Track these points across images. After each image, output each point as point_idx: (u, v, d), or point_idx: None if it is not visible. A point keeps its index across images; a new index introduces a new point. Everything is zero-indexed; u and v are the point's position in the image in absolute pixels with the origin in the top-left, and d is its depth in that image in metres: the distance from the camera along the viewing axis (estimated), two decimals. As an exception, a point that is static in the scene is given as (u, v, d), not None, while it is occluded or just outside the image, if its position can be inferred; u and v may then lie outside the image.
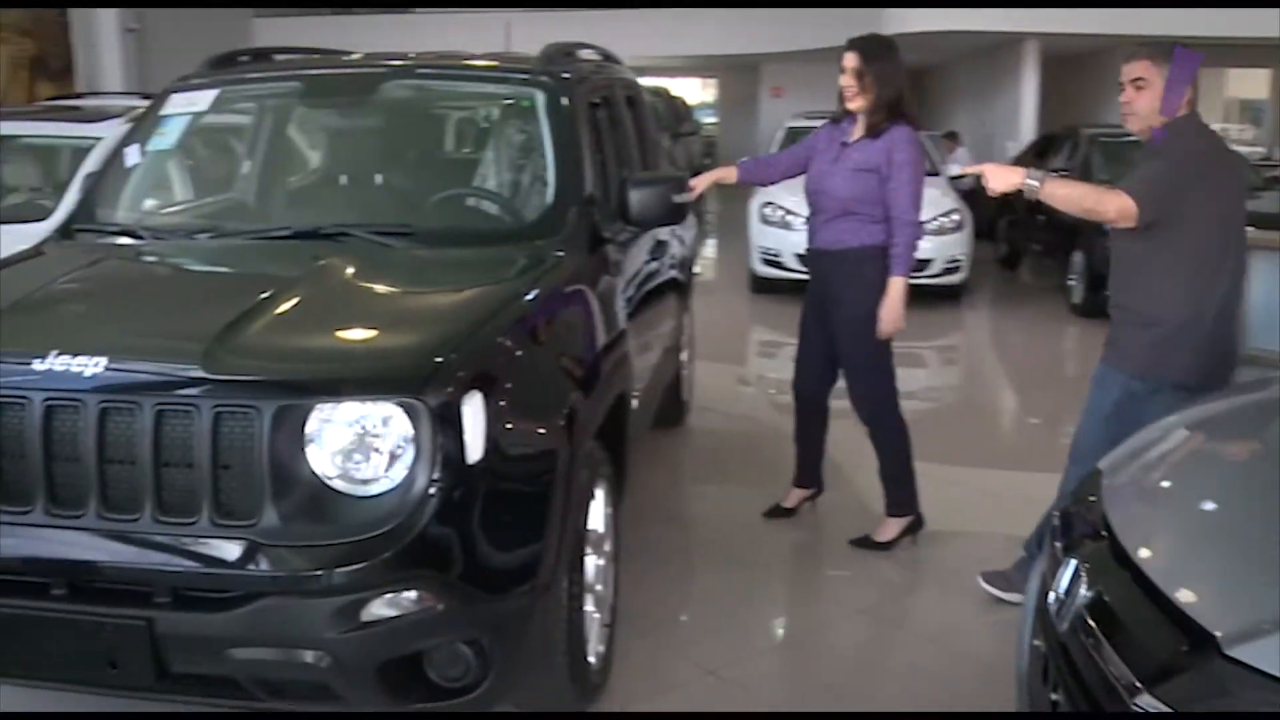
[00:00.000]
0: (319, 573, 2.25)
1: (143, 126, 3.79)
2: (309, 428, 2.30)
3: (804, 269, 9.56)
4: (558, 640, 2.73)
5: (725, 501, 4.84)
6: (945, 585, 3.97)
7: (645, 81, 17.41)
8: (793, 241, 9.20)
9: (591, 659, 3.02)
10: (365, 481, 2.33)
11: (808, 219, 4.19)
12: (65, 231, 3.49)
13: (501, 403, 2.44)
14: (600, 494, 3.13)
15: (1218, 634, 1.54)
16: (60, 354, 2.36)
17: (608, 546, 3.26)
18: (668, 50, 20.31)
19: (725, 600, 3.84)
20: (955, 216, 9.48)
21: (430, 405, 2.30)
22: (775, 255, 9.43)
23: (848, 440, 4.70)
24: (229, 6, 17.77)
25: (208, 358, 2.34)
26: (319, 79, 3.94)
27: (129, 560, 2.30)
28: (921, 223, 3.97)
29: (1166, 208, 3.16)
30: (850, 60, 3.92)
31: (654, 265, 4.42)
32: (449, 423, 2.32)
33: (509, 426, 2.45)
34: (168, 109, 3.82)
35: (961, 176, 11.27)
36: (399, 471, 2.33)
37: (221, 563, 2.27)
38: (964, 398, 7.60)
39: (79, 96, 9.51)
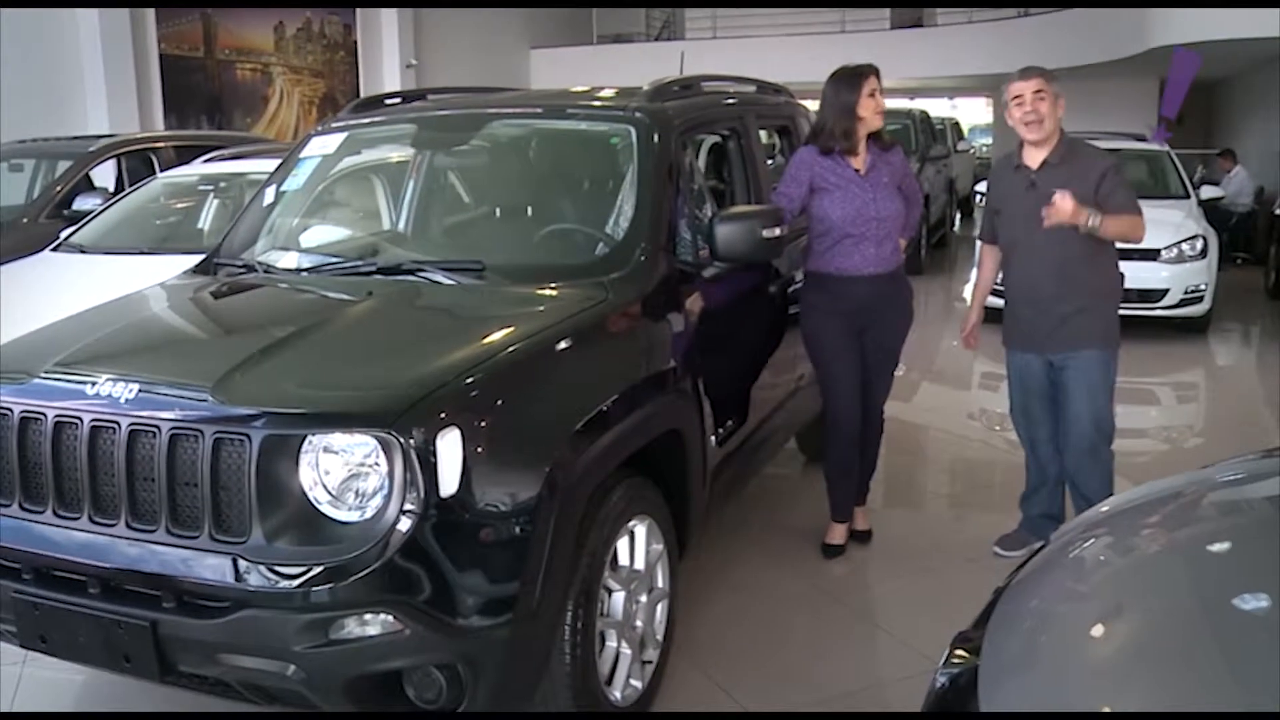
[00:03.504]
0: (291, 590, 2.43)
1: (283, 168, 4.17)
2: (294, 457, 2.49)
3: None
4: (558, 673, 2.78)
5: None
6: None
7: (908, 104, 17.06)
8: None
9: (616, 694, 3.05)
10: (342, 508, 2.49)
11: (838, 247, 4.15)
12: (205, 265, 3.89)
13: (482, 440, 2.52)
14: (642, 530, 3.16)
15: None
16: (107, 379, 2.67)
17: (660, 583, 3.28)
18: (945, 70, 19.86)
19: (794, 640, 3.80)
20: (1198, 243, 8.74)
21: (403, 440, 2.43)
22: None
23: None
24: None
25: (218, 387, 2.58)
26: (427, 121, 4.19)
27: (145, 567, 2.56)
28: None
29: None
30: (878, 82, 4.14)
31: (778, 301, 4.38)
32: (423, 457, 2.44)
33: (488, 464, 2.53)
34: (306, 152, 4.19)
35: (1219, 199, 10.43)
36: (375, 501, 2.47)
37: (213, 574, 2.49)
38: (1195, 441, 6.93)
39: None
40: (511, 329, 2.92)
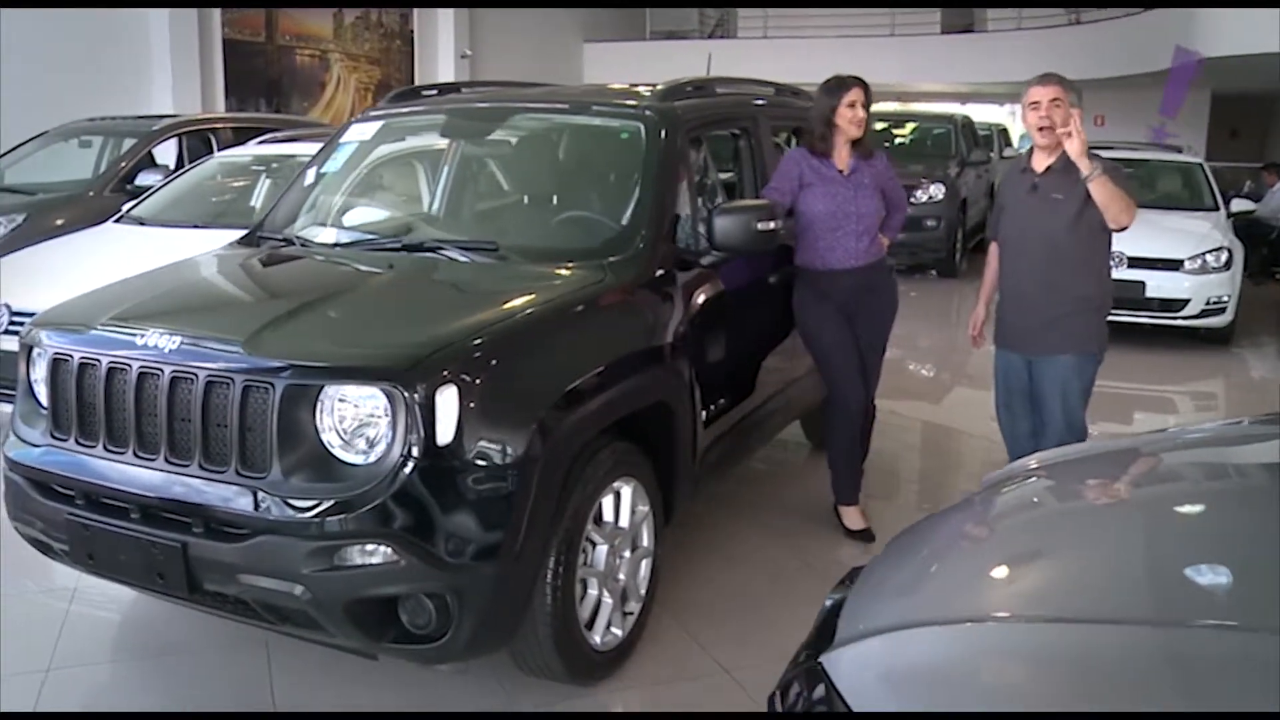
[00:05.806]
0: (303, 520, 2.78)
1: (324, 151, 4.53)
2: (312, 404, 2.83)
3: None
4: (540, 613, 3.09)
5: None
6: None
7: (954, 109, 17.10)
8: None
9: (596, 639, 3.36)
10: (351, 451, 2.84)
11: (820, 242, 4.45)
12: (250, 238, 4.26)
13: (476, 397, 2.85)
14: (627, 491, 3.47)
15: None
16: (155, 331, 3.04)
17: (645, 542, 3.59)
18: (995, 77, 19.95)
19: (771, 605, 4.06)
20: (1222, 255, 8.87)
21: (406, 394, 2.77)
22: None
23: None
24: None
25: (249, 342, 2.94)
26: (455, 113, 4.54)
27: (180, 496, 2.93)
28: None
29: None
30: (861, 95, 4.41)
31: (777, 292, 4.66)
32: (424, 409, 2.78)
33: (481, 418, 2.86)
34: (346, 137, 4.55)
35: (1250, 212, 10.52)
36: (380, 446, 2.82)
37: (237, 504, 2.85)
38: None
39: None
40: (512, 302, 3.25)
